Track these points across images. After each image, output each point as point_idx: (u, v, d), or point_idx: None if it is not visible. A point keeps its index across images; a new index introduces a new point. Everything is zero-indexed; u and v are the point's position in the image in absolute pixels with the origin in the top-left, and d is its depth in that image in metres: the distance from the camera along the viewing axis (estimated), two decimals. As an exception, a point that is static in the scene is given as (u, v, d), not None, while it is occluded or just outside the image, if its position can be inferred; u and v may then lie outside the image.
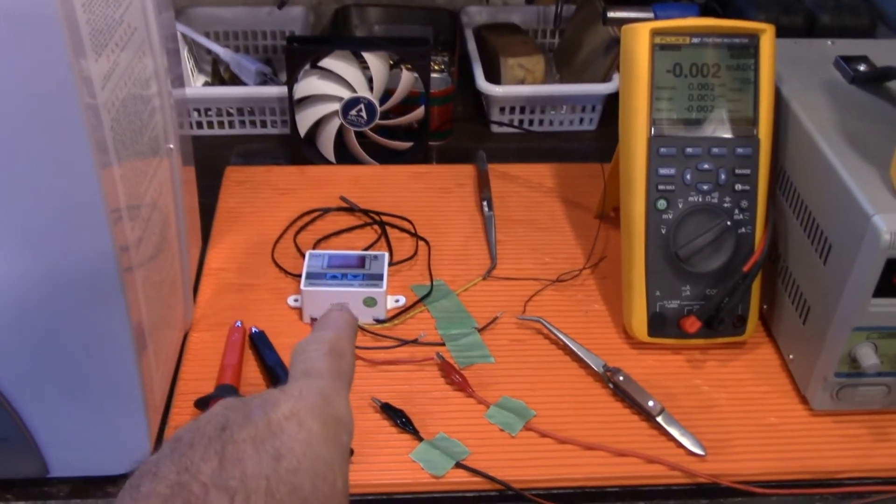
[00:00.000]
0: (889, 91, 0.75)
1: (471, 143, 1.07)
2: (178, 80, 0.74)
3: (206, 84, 1.14)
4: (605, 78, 1.08)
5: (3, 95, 0.48)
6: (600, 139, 1.09)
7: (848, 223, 0.65)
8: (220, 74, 1.14)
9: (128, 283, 0.58)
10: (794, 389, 0.74)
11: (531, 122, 1.10)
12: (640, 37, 0.74)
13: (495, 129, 1.10)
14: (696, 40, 0.74)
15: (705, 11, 1.03)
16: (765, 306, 0.80)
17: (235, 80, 1.12)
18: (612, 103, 1.05)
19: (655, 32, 0.74)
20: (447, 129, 1.08)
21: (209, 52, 1.14)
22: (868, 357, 0.66)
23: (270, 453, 0.31)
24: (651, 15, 0.97)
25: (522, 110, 1.08)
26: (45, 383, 0.60)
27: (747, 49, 0.75)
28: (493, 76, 1.08)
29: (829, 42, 0.83)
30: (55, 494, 0.66)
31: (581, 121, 1.10)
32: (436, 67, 1.04)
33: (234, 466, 0.30)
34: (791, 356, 0.75)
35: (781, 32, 0.77)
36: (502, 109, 1.08)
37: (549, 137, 1.10)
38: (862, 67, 0.77)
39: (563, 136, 1.10)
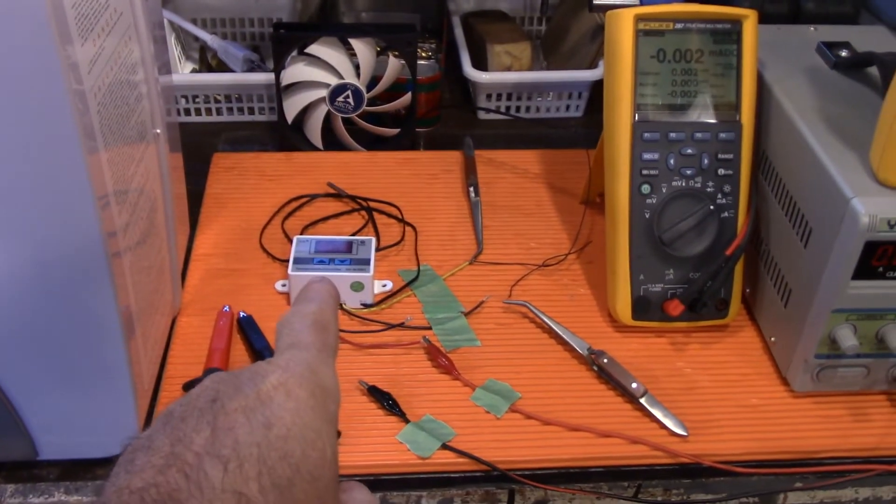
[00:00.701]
0: (870, 76, 0.76)
1: (458, 129, 1.08)
2: (165, 67, 0.74)
3: (193, 71, 1.14)
4: (592, 65, 1.09)
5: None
6: (587, 125, 1.10)
7: (828, 206, 0.66)
8: (208, 61, 1.14)
9: (115, 268, 0.58)
10: (776, 371, 0.75)
11: (518, 109, 1.10)
12: (624, 22, 0.74)
13: (482, 115, 1.10)
14: (679, 26, 0.75)
15: (691, -2, 1.04)
16: (747, 290, 0.81)
17: (223, 67, 1.12)
18: (598, 90, 1.05)
19: (639, 18, 0.74)
20: (434, 115, 1.09)
21: (196, 39, 1.14)
22: (847, 338, 0.67)
23: (261, 422, 0.31)
24: (637, 2, 0.98)
25: (509, 97, 1.09)
26: (34, 367, 0.60)
27: (730, 35, 0.75)
28: (480, 63, 1.09)
29: (812, 28, 0.84)
30: (45, 477, 0.66)
31: (567, 107, 1.11)
32: (423, 54, 1.04)
33: (226, 435, 0.31)
34: (773, 339, 0.76)
35: (766, 19, 0.78)
36: (489, 96, 1.09)
37: (535, 124, 1.10)
38: (844, 53, 0.78)
39: (550, 123, 1.11)
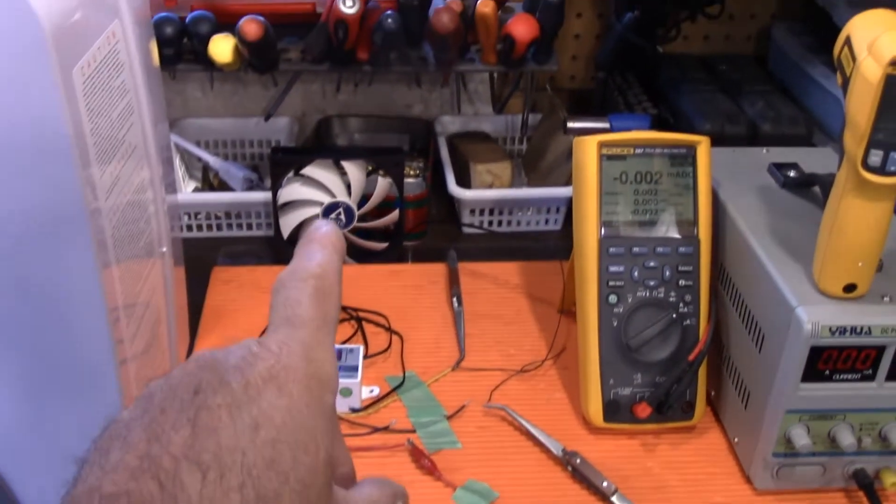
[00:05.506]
0: (815, 195, 0.83)
1: (444, 242, 1.14)
2: (172, 187, 0.81)
3: (196, 190, 1.22)
4: (569, 182, 1.16)
5: (20, 209, 0.54)
6: (565, 238, 1.15)
7: (776, 314, 0.72)
8: (210, 180, 1.22)
9: (122, 377, 0.63)
10: (740, 471, 0.80)
11: (500, 223, 1.17)
12: (589, 148, 0.82)
13: (466, 229, 1.17)
14: (639, 151, 0.82)
15: (658, 121, 1.12)
16: (712, 392, 0.86)
17: (224, 186, 1.20)
18: (574, 205, 1.13)
19: (602, 144, 0.82)
20: (421, 230, 1.16)
21: (199, 159, 1.22)
22: (800, 437, 0.72)
23: (247, 423, 0.29)
24: (607, 125, 1.05)
25: (491, 212, 1.16)
26: (43, 468, 0.64)
27: (686, 158, 0.83)
28: (464, 181, 1.16)
29: (764, 150, 0.92)
30: (46, 576, 0.70)
31: (546, 221, 1.18)
32: (411, 173, 1.12)
33: (207, 437, 0.28)
34: (736, 439, 0.81)
35: (726, 141, 0.86)
36: (472, 211, 1.16)
37: (516, 237, 1.17)
38: (792, 174, 0.85)
39: (530, 236, 1.18)
